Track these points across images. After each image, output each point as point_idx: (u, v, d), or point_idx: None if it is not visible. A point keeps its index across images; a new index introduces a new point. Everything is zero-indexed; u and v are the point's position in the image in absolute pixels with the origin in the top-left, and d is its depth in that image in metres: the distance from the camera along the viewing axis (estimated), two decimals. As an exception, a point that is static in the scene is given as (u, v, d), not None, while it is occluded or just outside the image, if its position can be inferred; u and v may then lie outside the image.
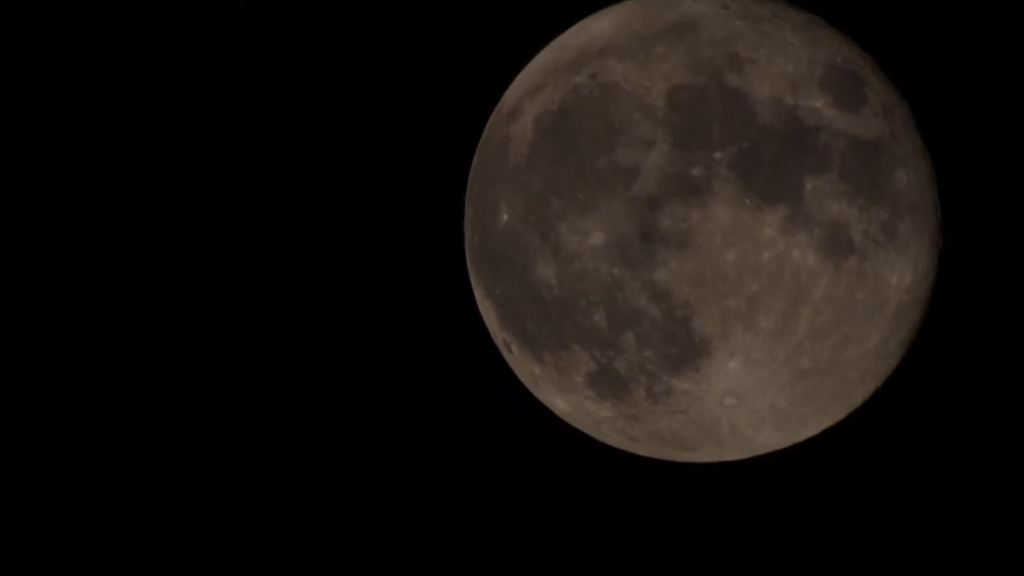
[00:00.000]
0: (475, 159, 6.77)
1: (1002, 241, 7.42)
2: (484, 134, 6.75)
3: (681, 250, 5.78)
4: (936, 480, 7.65)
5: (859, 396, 6.63)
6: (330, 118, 7.85)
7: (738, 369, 6.02)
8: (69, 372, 7.86)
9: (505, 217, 6.24)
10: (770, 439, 6.50)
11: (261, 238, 7.88)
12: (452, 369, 7.80)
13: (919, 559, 7.68)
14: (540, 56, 6.66)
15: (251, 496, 7.91)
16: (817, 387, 6.22)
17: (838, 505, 7.73)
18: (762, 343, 5.95)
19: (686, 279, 5.81)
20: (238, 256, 7.86)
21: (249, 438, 7.94)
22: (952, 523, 7.64)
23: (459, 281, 6.94)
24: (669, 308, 5.87)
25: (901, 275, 6.20)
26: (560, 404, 6.60)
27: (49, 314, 7.83)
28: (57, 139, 7.80)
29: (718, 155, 5.78)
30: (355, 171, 7.86)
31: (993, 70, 7.43)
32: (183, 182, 7.82)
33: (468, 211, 6.71)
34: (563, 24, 6.72)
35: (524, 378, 6.74)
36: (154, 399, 7.87)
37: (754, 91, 5.91)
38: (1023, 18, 7.38)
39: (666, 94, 5.90)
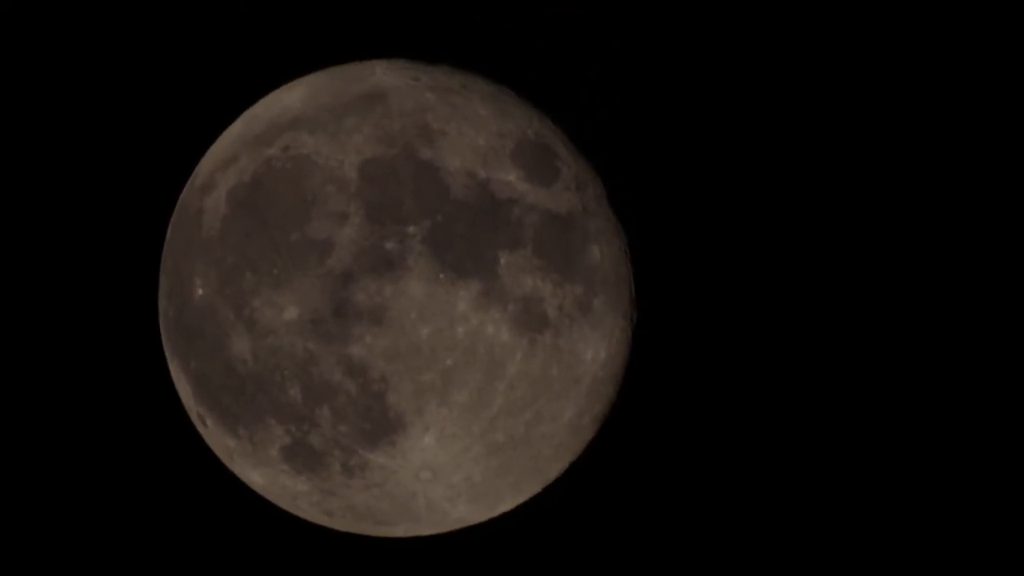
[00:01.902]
0: (169, 231, 6.63)
1: (695, 316, 7.56)
2: (178, 205, 6.62)
3: (376, 325, 5.75)
4: (630, 554, 7.73)
5: (554, 471, 6.66)
6: (19, 189, 7.64)
7: (433, 443, 5.99)
8: None
9: (200, 291, 6.12)
10: (466, 513, 6.48)
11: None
12: (145, 443, 7.58)
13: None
14: (232, 128, 6.57)
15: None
16: (512, 461, 6.23)
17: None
18: (457, 417, 5.94)
19: (381, 353, 5.78)
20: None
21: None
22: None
23: (153, 353, 6.82)
24: (365, 383, 5.83)
25: (595, 350, 6.26)
26: (256, 478, 6.48)
27: None
28: None
29: (411, 229, 5.77)
30: (46, 243, 7.62)
31: (684, 145, 7.56)
32: None
33: (163, 283, 6.56)
34: (255, 94, 6.66)
35: (219, 452, 6.61)
36: None
37: (446, 164, 5.92)
38: (712, 92, 7.55)
39: (358, 167, 5.88)
